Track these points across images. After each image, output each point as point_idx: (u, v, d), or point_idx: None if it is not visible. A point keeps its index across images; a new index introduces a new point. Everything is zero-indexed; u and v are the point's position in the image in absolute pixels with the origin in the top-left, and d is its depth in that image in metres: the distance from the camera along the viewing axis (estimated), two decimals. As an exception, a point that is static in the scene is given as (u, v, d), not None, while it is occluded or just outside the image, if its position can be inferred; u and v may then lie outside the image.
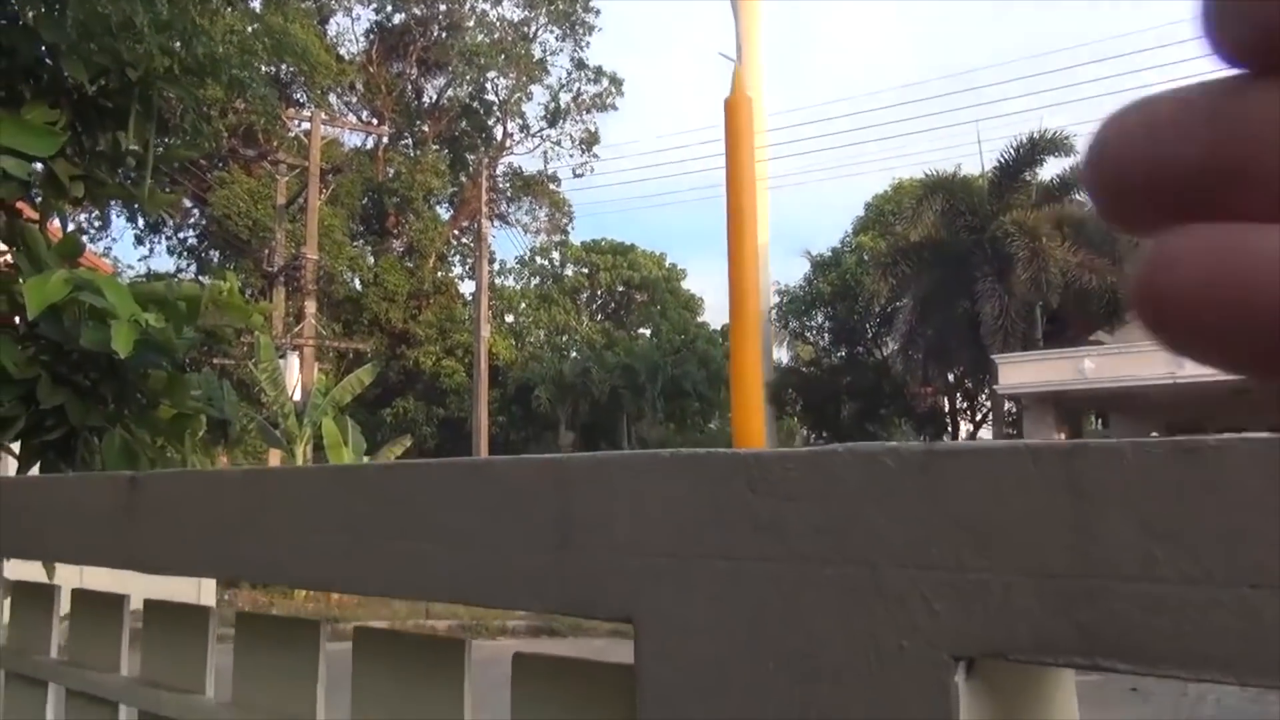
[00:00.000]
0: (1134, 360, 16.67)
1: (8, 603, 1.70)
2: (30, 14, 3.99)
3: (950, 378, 25.89)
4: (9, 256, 4.02)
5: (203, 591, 13.68)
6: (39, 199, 4.12)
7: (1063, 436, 18.85)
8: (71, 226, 5.23)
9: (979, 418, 28.96)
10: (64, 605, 1.58)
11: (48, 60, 4.03)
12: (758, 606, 0.61)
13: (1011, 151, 21.50)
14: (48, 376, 3.48)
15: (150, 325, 3.33)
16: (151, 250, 33.68)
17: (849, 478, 0.58)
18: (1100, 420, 24.90)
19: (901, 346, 22.41)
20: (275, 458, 23.66)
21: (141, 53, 3.92)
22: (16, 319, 3.63)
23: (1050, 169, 22.18)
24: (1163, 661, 0.47)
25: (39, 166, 3.90)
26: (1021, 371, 17.85)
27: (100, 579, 1.41)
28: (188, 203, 29.89)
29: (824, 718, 0.57)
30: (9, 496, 1.45)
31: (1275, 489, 0.45)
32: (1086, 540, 0.49)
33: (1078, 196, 21.83)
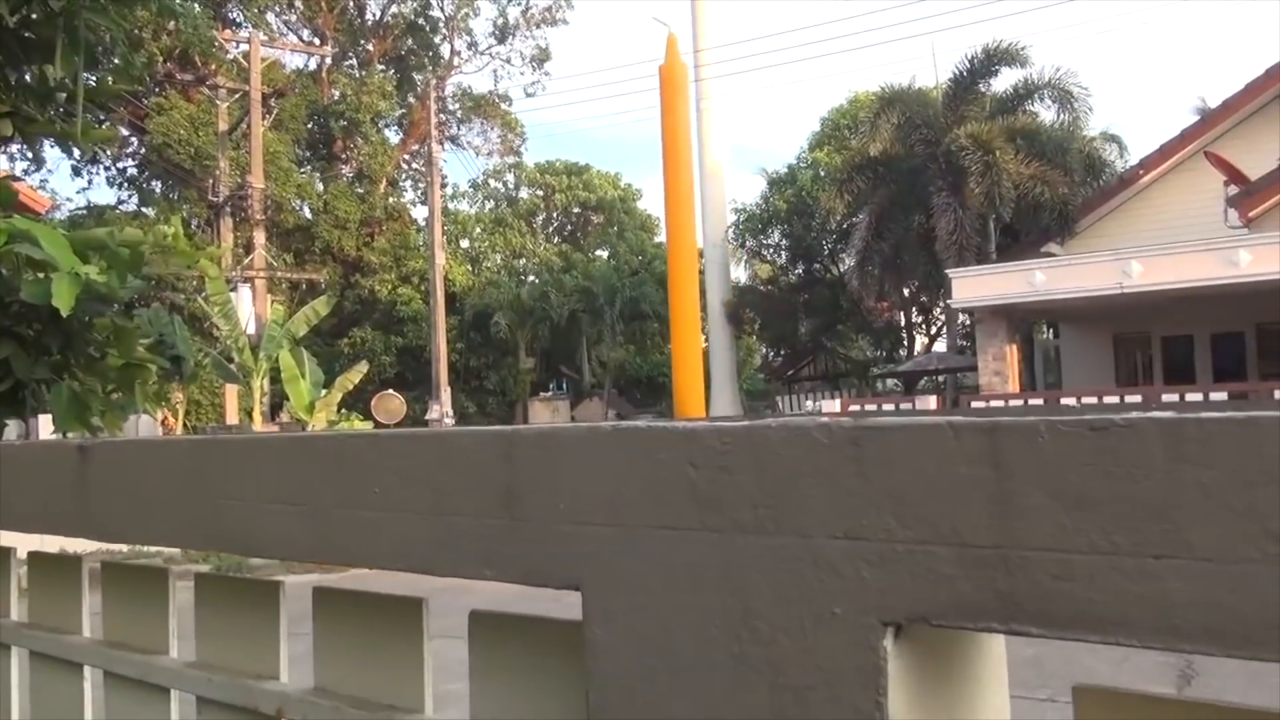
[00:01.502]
0: (1083, 271, 16.95)
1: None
2: (-60, -58, 3.78)
3: (906, 292, 26.15)
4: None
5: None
6: (-34, 139, 3.96)
7: (1014, 348, 19.23)
8: (2, 162, 5.02)
9: (934, 331, 29.40)
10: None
11: (-38, -9, 3.84)
12: (699, 575, 0.63)
13: (966, 63, 21.38)
14: (-11, 327, 3.39)
15: (92, 277, 3.25)
16: (90, 182, 32.77)
17: (783, 451, 0.59)
18: (1051, 330, 25.40)
19: (858, 262, 22.53)
20: (231, 393, 23.43)
21: (63, -19, 3.74)
22: (-49, 268, 3.52)
23: (1004, 80, 22.13)
24: (1074, 627, 0.50)
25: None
26: (975, 285, 18.07)
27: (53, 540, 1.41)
28: (125, 131, 28.84)
29: (762, 680, 0.60)
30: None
31: (1177, 464, 0.47)
32: (1005, 512, 0.52)
33: (1030, 107, 21.84)
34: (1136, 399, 15.92)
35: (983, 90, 21.94)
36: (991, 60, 21.26)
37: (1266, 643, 0.45)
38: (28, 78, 4.27)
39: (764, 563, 0.60)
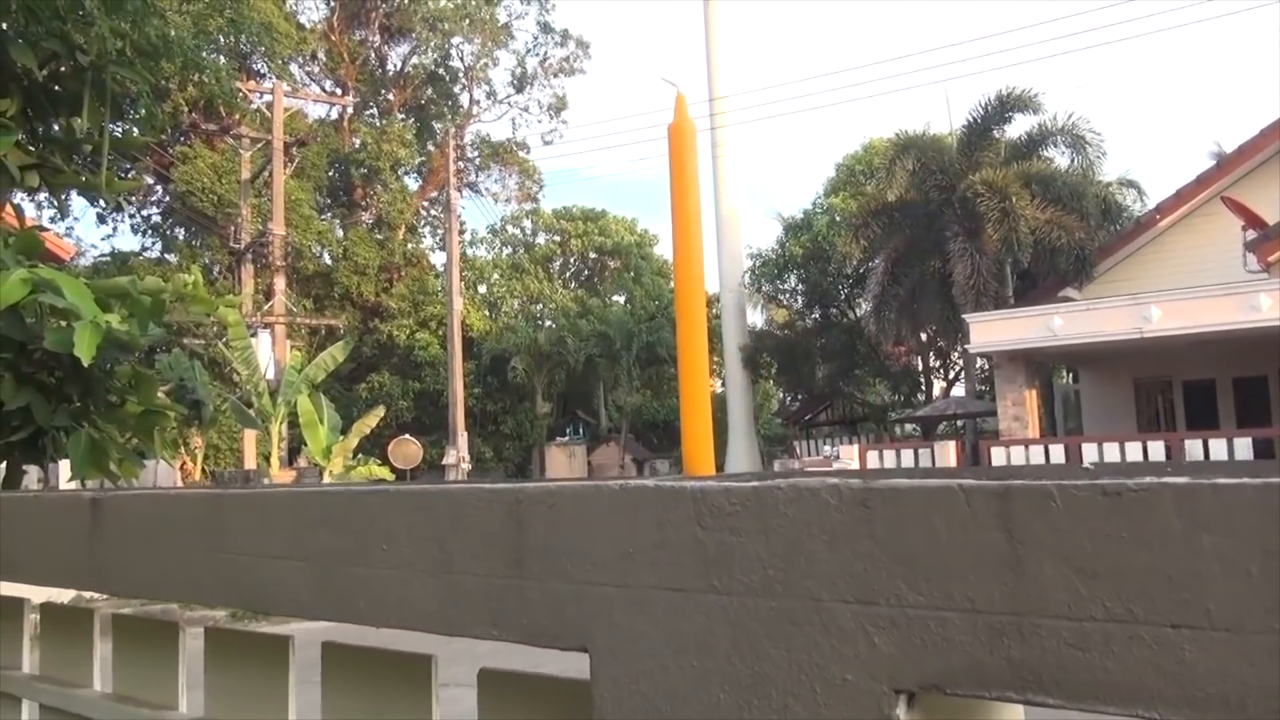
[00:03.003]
0: (1101, 316, 16.85)
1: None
2: (-26, 1, 3.88)
3: (923, 337, 26.06)
4: (-35, 248, 3.94)
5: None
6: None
7: (1034, 393, 19.08)
8: (30, 211, 5.13)
9: (952, 376, 29.24)
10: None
11: (-4, 47, 3.93)
12: (707, 637, 0.62)
13: (980, 110, 21.50)
14: (10, 376, 3.42)
15: (114, 326, 3.29)
16: (115, 229, 33.19)
17: (791, 513, 0.59)
18: (1071, 375, 25.19)
19: (874, 307, 22.49)
20: (250, 438, 23.51)
21: (92, 35, 3.84)
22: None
23: (1018, 126, 22.23)
24: (1089, 697, 0.48)
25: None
26: (992, 330, 17.99)
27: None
28: (150, 180, 29.36)
29: (773, 746, 0.59)
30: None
31: (1194, 531, 0.46)
32: (1017, 578, 0.51)
33: (1044, 153, 21.90)
34: (1159, 445, 15.72)
35: (997, 136, 22.03)
36: (1005, 107, 21.37)
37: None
38: (55, 130, 4.37)
39: (773, 626, 0.59)
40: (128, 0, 4.08)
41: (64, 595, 1.54)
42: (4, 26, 3.73)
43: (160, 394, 3.75)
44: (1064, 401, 24.50)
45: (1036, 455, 16.10)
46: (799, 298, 29.86)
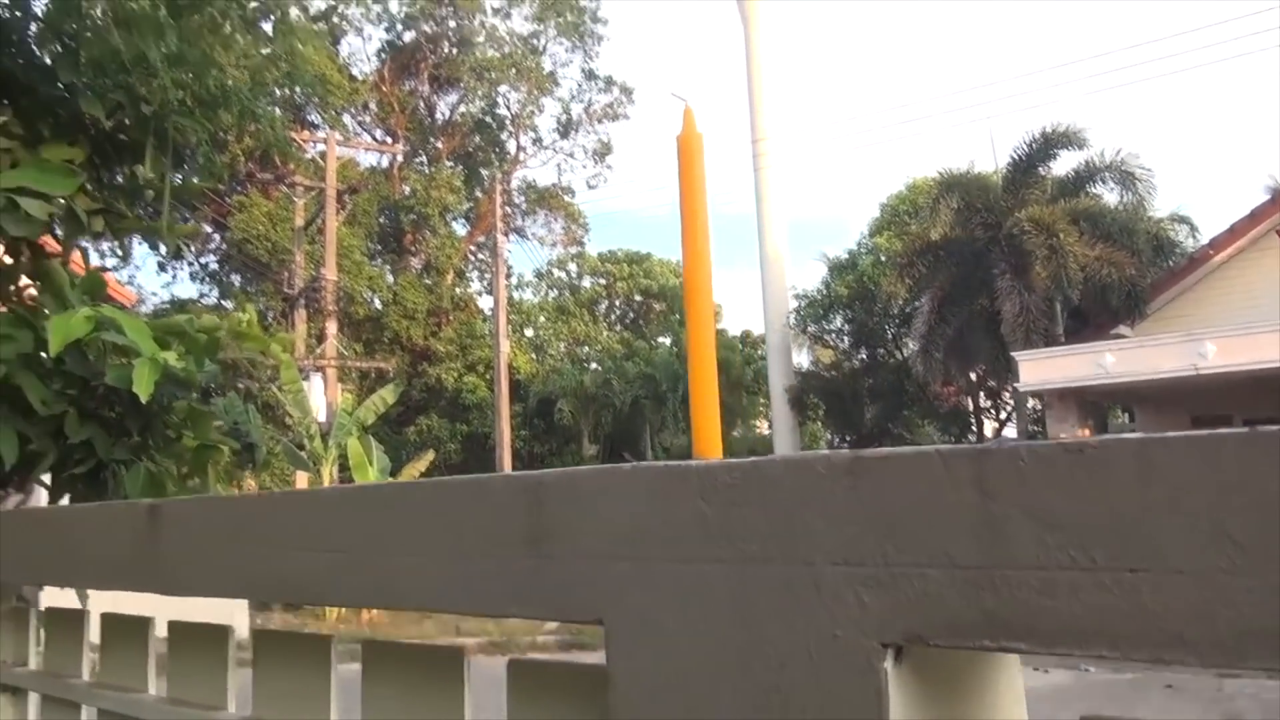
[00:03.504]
0: (1156, 353, 16.55)
1: (42, 631, 1.77)
2: (47, 54, 4.11)
3: (972, 376, 25.76)
4: (33, 290, 4.13)
5: (236, 615, 13.98)
6: (60, 234, 4.23)
7: (1087, 432, 18.70)
8: (94, 258, 5.37)
9: (1003, 416, 28.79)
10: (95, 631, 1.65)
11: (65, 98, 4.15)
12: (712, 605, 0.66)
13: (1025, 147, 21.41)
14: (74, 412, 3.57)
15: (171, 363, 3.42)
16: (174, 277, 34.23)
17: (785, 484, 0.63)
18: (1127, 415, 24.68)
19: (922, 347, 22.31)
20: (301, 480, 23.88)
21: (155, 87, 4.02)
22: (43, 355, 3.73)
23: (1064, 163, 22.08)
24: (1057, 641, 0.52)
25: (60, 202, 4.00)
26: (1043, 368, 17.74)
27: (132, 604, 1.48)
28: (208, 228, 30.26)
29: (772, 704, 0.63)
30: (39, 527, 1.52)
31: (1147, 481, 0.50)
32: (991, 534, 0.54)
33: (1092, 189, 21.70)
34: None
35: (1043, 173, 21.89)
36: (1050, 144, 21.26)
37: (1239, 650, 0.46)
38: (119, 178, 4.57)
39: (771, 591, 0.63)
40: (189, 53, 4.28)
41: (129, 603, 1.61)
42: (75, 80, 3.94)
43: (214, 428, 3.88)
44: (1119, 441, 23.90)
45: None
46: (845, 338, 29.72)
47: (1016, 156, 21.49)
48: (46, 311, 3.62)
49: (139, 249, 30.54)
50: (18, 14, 4.24)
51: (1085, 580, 0.51)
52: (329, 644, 1.19)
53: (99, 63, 4.03)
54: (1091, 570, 0.51)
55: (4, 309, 3.98)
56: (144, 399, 3.05)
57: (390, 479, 18.58)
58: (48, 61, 4.22)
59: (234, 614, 13.98)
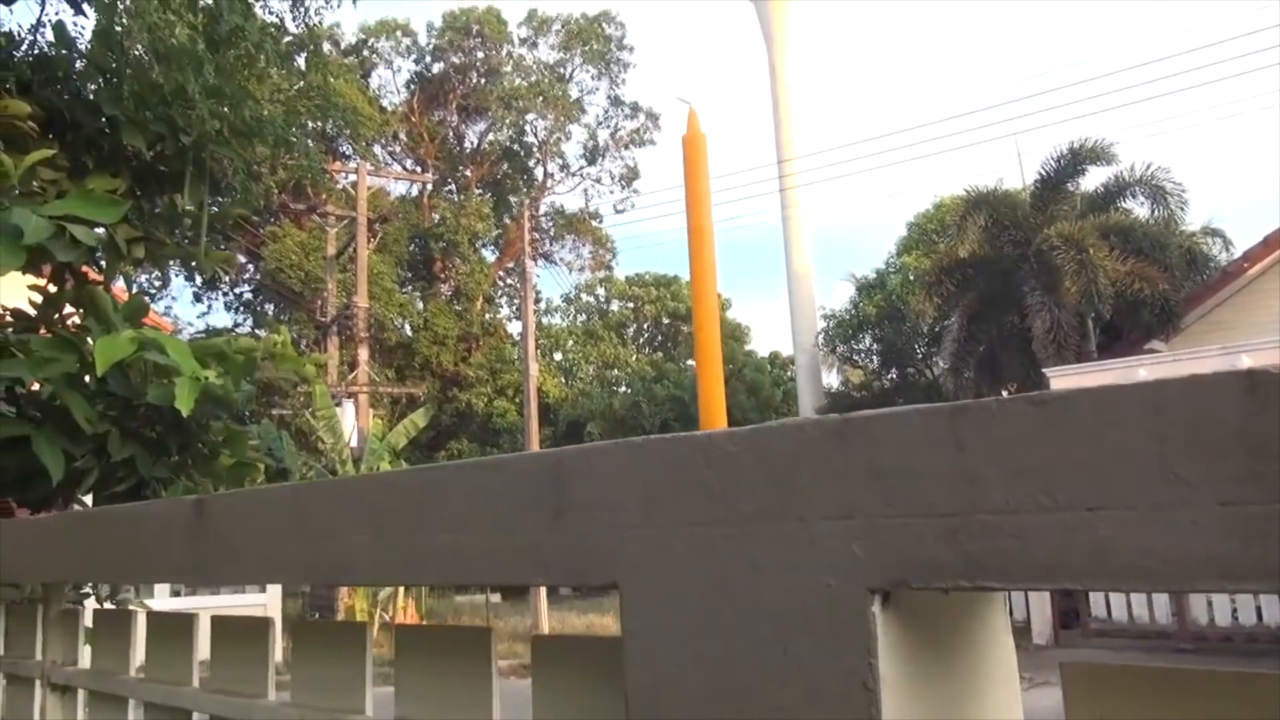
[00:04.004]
0: (1189, 367, 16.33)
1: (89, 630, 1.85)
2: (91, 88, 4.27)
3: (1005, 394, 25.52)
4: (76, 318, 4.27)
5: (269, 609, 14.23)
6: (102, 262, 4.37)
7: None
8: (134, 287, 5.53)
9: (1036, 433, 28.40)
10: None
11: (107, 130, 4.30)
12: (717, 564, 0.71)
13: (1052, 163, 21.32)
14: (117, 431, 3.68)
15: (210, 381, 3.53)
16: (210, 307, 34.73)
17: (781, 447, 0.68)
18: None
19: (952, 365, 22.17)
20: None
21: (194, 118, 4.17)
22: (87, 377, 3.85)
23: (1093, 178, 21.95)
24: (1026, 577, 0.57)
25: (102, 231, 4.13)
26: (1073, 384, 17.55)
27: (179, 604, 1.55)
28: (242, 258, 30.79)
29: (775, 657, 0.68)
30: (89, 528, 1.60)
31: (1103, 427, 0.55)
32: (966, 483, 0.59)
33: (1122, 204, 21.54)
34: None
35: (1071, 189, 21.77)
36: (1078, 159, 21.15)
37: (1186, 575, 0.51)
38: (158, 207, 4.72)
39: (769, 546, 0.68)
40: (226, 85, 4.43)
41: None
42: (118, 112, 4.08)
43: (250, 447, 3.98)
44: (1156, 458, 23.57)
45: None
46: (875, 358, 29.60)
47: (1044, 173, 21.40)
48: (91, 335, 3.75)
49: (175, 280, 31.15)
50: (64, 51, 4.41)
51: (1050, 520, 0.56)
52: (364, 630, 1.25)
53: (140, 96, 4.18)
54: (1055, 511, 0.56)
55: (48, 334, 4.11)
56: (185, 413, 3.15)
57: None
58: (92, 95, 4.38)
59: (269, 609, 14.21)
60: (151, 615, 1.66)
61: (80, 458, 3.49)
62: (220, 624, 1.49)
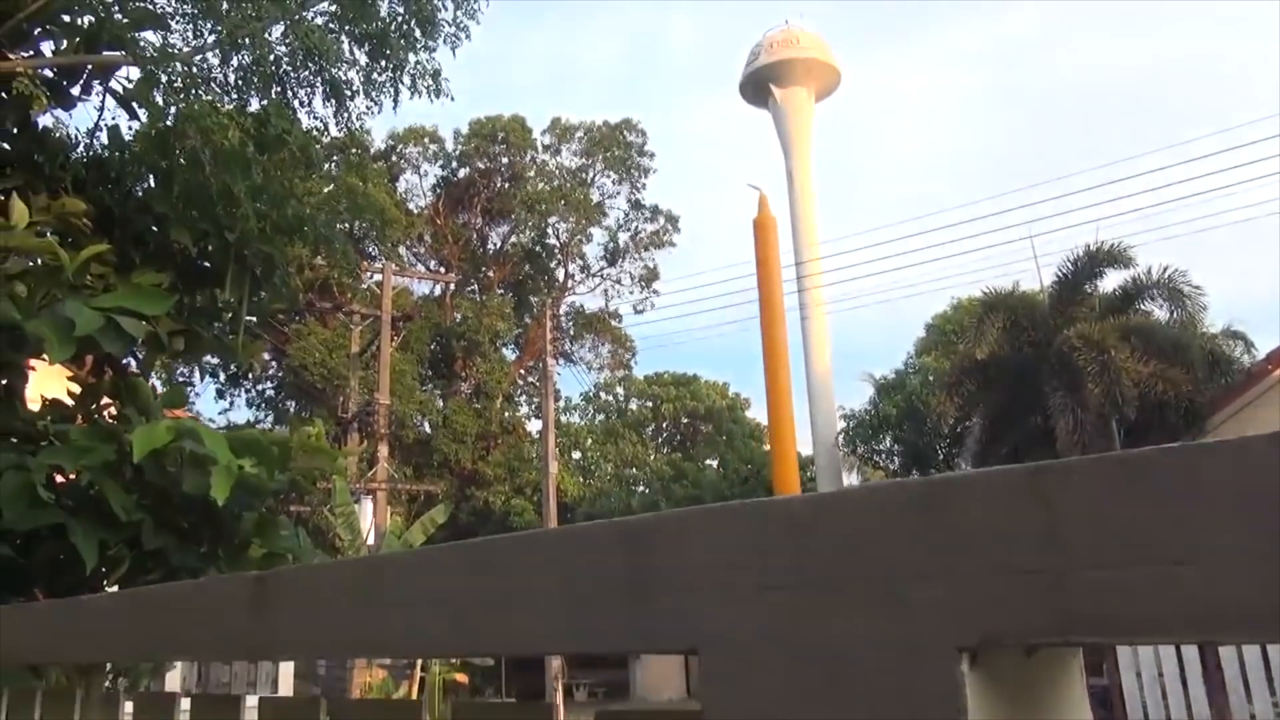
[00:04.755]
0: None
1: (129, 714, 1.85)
2: (141, 188, 4.45)
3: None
4: (112, 409, 4.35)
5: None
6: (142, 355, 4.47)
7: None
8: (170, 382, 5.62)
9: (1063, 537, 27.89)
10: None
11: (155, 228, 4.46)
12: (799, 626, 0.73)
13: (1069, 265, 21.51)
14: (151, 520, 3.71)
15: (246, 471, 3.57)
16: (231, 404, 35.03)
17: (864, 512, 0.71)
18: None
19: (974, 466, 21.98)
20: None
21: (239, 216, 4.32)
22: (124, 466, 3.90)
23: (1111, 280, 22.08)
24: (1117, 631, 0.58)
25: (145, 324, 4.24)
26: (1101, 486, 17.30)
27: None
28: (266, 356, 31.19)
29: (859, 712, 0.69)
30: (136, 608, 1.61)
31: (1190, 486, 0.57)
32: (1053, 541, 0.62)
33: (1142, 307, 21.61)
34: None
35: (1089, 291, 21.89)
36: (1095, 261, 21.34)
37: (1269, 625, 0.53)
38: (199, 300, 4.85)
39: (853, 609, 0.70)
40: (271, 185, 4.60)
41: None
42: (167, 210, 4.25)
43: (282, 537, 3.99)
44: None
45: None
46: (895, 458, 29.35)
47: (1062, 274, 21.57)
48: (128, 425, 3.81)
49: (197, 377, 31.55)
50: (116, 153, 4.61)
51: (1138, 576, 0.58)
52: (416, 709, 1.25)
53: (188, 195, 4.35)
54: (1143, 565, 0.58)
55: (85, 424, 4.18)
56: (221, 502, 3.18)
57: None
58: (140, 195, 4.55)
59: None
60: (196, 699, 1.66)
61: (114, 547, 3.52)
62: (269, 705, 1.49)
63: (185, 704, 1.70)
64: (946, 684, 0.65)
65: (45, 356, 3.20)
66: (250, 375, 31.99)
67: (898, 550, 0.69)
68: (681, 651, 0.81)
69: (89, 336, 3.23)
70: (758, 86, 35.06)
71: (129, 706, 1.88)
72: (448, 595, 1.02)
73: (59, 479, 3.79)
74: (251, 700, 1.56)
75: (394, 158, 37.26)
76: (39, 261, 3.48)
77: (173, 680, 12.19)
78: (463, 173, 37.94)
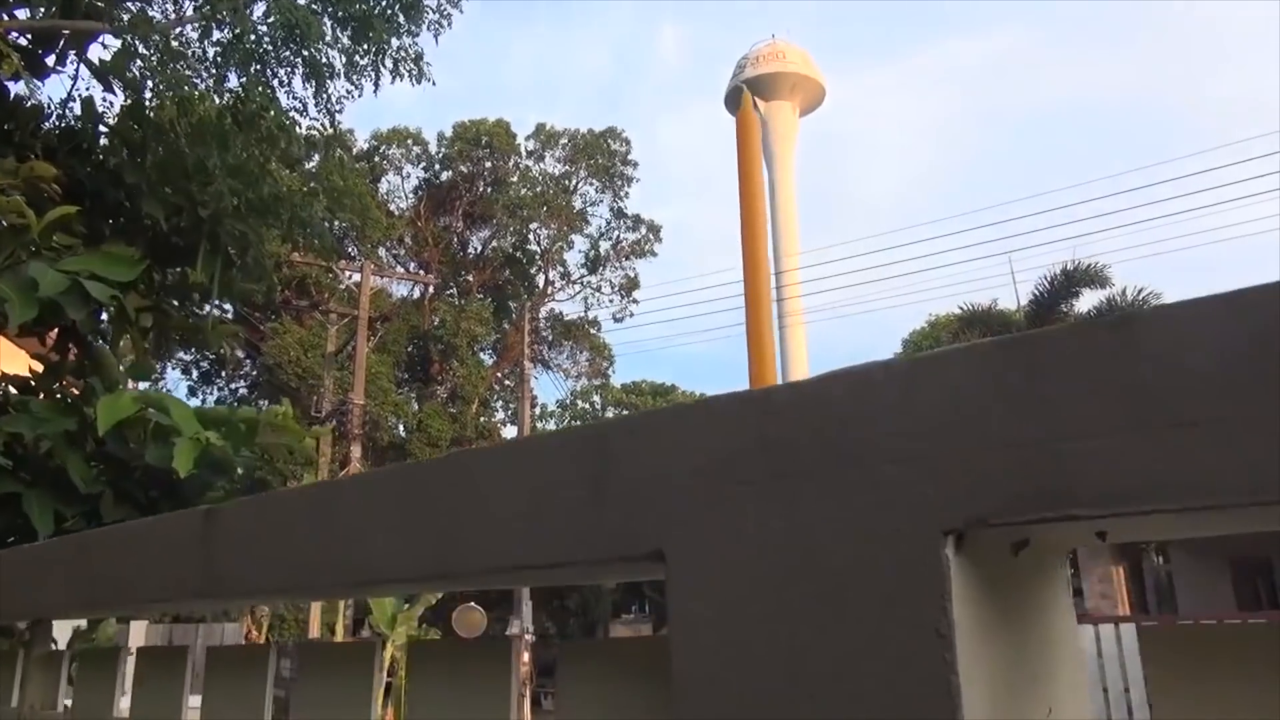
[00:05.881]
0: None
1: (74, 668, 1.77)
2: (114, 160, 4.35)
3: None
4: (75, 389, 4.24)
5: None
6: (110, 332, 4.37)
7: (1121, 572, 18.19)
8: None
9: (1033, 555, 28.03)
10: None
11: (127, 202, 4.37)
12: (771, 520, 0.69)
13: (1046, 284, 21.69)
14: (111, 493, 3.61)
15: (211, 443, 3.48)
16: (204, 401, 34.62)
17: (843, 396, 0.67)
18: (1161, 556, 24.02)
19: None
20: (315, 608, 23.47)
21: (213, 192, 4.24)
22: (87, 437, 3.80)
23: (1087, 300, 22.29)
24: (1115, 502, 0.54)
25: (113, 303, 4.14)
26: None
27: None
28: (240, 354, 30.87)
29: (834, 610, 0.64)
30: (83, 555, 1.55)
31: (1178, 348, 0.53)
32: (1044, 410, 0.58)
33: (1117, 327, 21.78)
34: (1261, 622, 14.71)
35: (1065, 310, 22.07)
36: (1071, 281, 21.53)
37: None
38: (169, 278, 4.75)
39: (827, 497, 0.66)
40: (247, 163, 4.53)
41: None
42: (139, 181, 4.16)
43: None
44: (1155, 583, 23.26)
45: (1128, 633, 15.18)
46: (870, 473, 29.44)
47: (1038, 293, 21.74)
48: (94, 395, 3.72)
49: (171, 374, 31.13)
50: (89, 125, 4.52)
51: (1135, 441, 0.54)
52: (373, 648, 1.19)
53: (162, 167, 4.27)
54: (1139, 431, 0.54)
55: (47, 400, 4.08)
56: (183, 473, 3.10)
57: (407, 605, 18.23)
58: (114, 166, 4.46)
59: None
60: (141, 651, 1.59)
61: (71, 519, 3.42)
62: (215, 655, 1.43)
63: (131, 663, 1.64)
64: (930, 571, 0.60)
65: (7, 319, 3.10)
66: (224, 373, 31.66)
67: (878, 434, 0.64)
68: (646, 558, 0.76)
69: (53, 300, 3.15)
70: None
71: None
72: (402, 521, 0.97)
73: (19, 451, 3.69)
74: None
75: (376, 158, 37.06)
76: (4, 223, 3.40)
77: (135, 641, 11.98)
78: (445, 175, 37.80)
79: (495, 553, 0.88)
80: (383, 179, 37.11)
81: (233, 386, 34.20)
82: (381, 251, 35.06)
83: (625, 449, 0.79)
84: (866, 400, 0.65)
